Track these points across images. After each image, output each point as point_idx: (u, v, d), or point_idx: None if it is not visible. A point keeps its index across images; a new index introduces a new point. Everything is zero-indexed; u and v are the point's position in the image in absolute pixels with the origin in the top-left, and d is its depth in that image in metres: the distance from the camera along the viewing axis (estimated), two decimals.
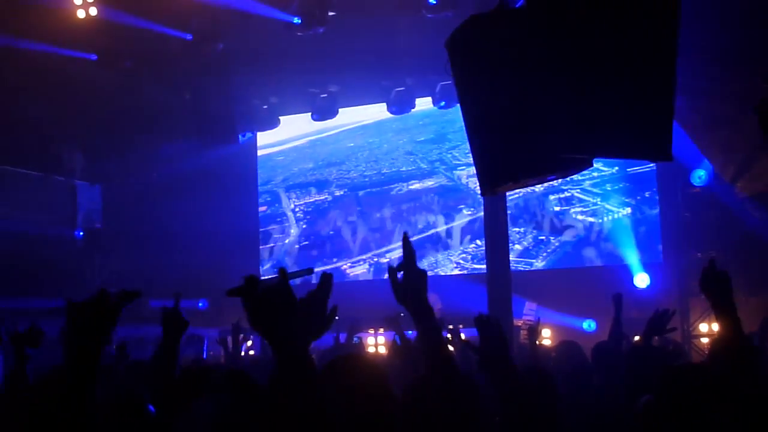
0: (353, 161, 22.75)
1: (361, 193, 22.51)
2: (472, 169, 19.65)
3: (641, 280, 17.74)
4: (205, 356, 10.81)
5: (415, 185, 22.19)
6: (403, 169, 22.37)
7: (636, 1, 4.20)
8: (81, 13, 15.40)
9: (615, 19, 4.21)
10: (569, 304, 17.07)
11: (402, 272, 4.02)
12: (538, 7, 4.44)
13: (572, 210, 19.49)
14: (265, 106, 20.95)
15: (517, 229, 19.51)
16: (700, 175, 17.03)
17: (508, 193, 14.52)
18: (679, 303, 16.22)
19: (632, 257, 18.19)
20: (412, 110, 20.56)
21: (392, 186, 22.29)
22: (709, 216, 16.93)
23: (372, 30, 16.63)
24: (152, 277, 19.46)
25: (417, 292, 4.02)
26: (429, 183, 22.12)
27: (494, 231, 13.70)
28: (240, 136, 21.20)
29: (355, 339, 12.16)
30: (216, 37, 16.49)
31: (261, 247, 22.31)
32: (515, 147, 4.49)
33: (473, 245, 21.14)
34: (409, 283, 4.01)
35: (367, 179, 22.48)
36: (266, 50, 17.32)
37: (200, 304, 20.29)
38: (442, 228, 21.60)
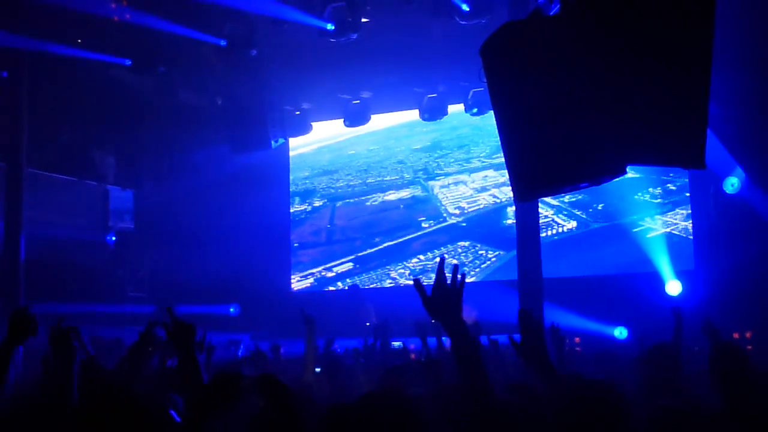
0: (346, 170, 22.93)
1: (339, 203, 22.78)
2: (446, 179, 19.91)
3: (673, 287, 17.67)
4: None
5: (390, 196, 22.43)
6: (387, 178, 22.57)
7: (671, 9, 4.23)
8: (116, 18, 15.51)
9: (650, 26, 4.24)
10: (600, 311, 17.01)
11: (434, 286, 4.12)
12: (574, 15, 4.47)
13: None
14: (298, 112, 21.03)
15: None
16: (732, 183, 16.95)
17: None
18: (711, 311, 16.18)
19: (664, 265, 18.12)
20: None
21: (369, 197, 22.54)
22: (742, 224, 16.85)
23: (405, 37, 16.69)
24: (183, 282, 19.63)
25: (451, 308, 4.12)
26: (404, 193, 22.36)
27: (526, 237, 13.66)
28: (272, 142, 21.21)
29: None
30: (249, 43, 16.53)
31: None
32: (549, 154, 4.52)
33: (416, 260, 21.51)
34: (441, 298, 4.10)
35: (350, 189, 22.72)
36: (299, 56, 17.40)
37: (231, 309, 20.38)
38: (396, 242, 21.87)
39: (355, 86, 19.91)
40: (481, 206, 21.54)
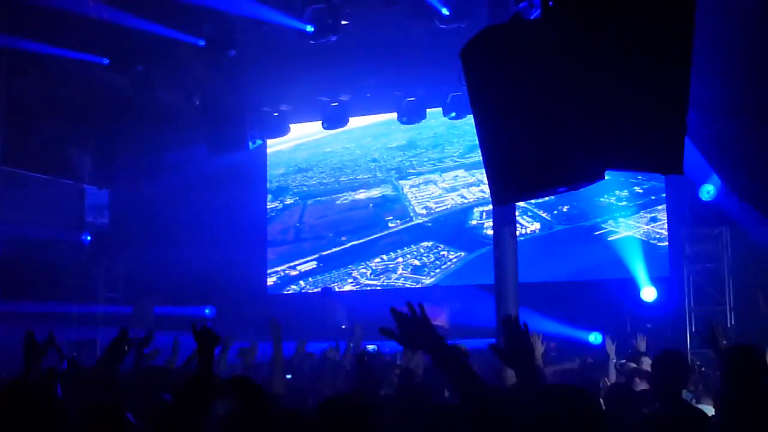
0: (320, 168, 22.92)
1: (310, 201, 22.76)
2: (418, 179, 19.97)
3: (648, 293, 17.73)
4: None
5: (361, 195, 22.45)
6: (360, 177, 22.57)
7: (651, 16, 4.24)
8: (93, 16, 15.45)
9: (630, 33, 4.25)
10: (575, 317, 17.06)
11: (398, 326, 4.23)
12: (555, 20, 4.48)
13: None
14: (276, 114, 21.00)
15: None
16: (708, 190, 17.01)
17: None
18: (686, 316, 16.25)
19: (639, 271, 18.18)
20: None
21: (340, 195, 22.58)
22: (718, 230, 16.92)
23: (384, 39, 16.67)
24: (159, 283, 19.58)
25: (424, 336, 4.22)
26: (374, 192, 22.38)
27: (503, 241, 13.66)
28: (250, 143, 21.18)
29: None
30: (228, 44, 16.49)
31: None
32: (527, 158, 4.53)
33: (378, 259, 21.62)
34: (412, 332, 4.22)
35: (322, 187, 22.74)
36: (278, 58, 17.34)
37: (207, 311, 20.34)
38: (361, 241, 21.93)
39: (333, 88, 19.89)
40: (448, 206, 21.59)
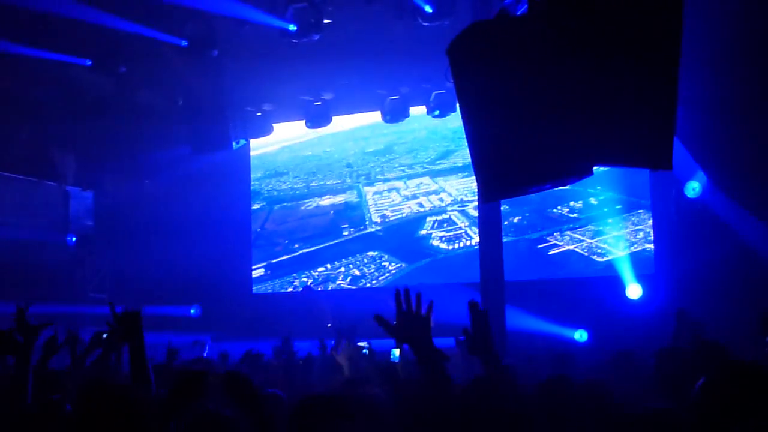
0: (296, 172, 22.78)
1: (276, 207, 22.70)
2: (383, 185, 19.97)
3: (633, 291, 17.72)
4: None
5: (326, 201, 22.42)
6: (329, 182, 22.49)
7: (639, 11, 4.21)
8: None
9: (618, 27, 4.22)
10: (561, 314, 17.05)
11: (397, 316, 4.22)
12: (542, 16, 4.44)
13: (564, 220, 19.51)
14: (259, 113, 20.94)
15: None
16: (693, 187, 17.01)
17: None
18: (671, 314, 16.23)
19: (624, 268, 18.18)
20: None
21: (305, 201, 22.51)
22: (703, 228, 16.91)
23: (367, 38, 16.66)
24: (144, 283, 19.55)
25: (419, 334, 4.19)
26: (339, 199, 22.34)
27: (489, 238, 13.67)
28: (234, 143, 21.13)
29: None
30: (210, 44, 16.47)
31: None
32: (515, 154, 4.49)
33: (322, 268, 21.63)
34: (407, 327, 4.19)
35: (291, 192, 22.67)
36: (261, 57, 17.32)
37: (192, 311, 20.31)
38: (312, 249, 21.95)
39: (316, 87, 19.86)
40: (404, 215, 21.54)
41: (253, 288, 21.77)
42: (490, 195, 4.85)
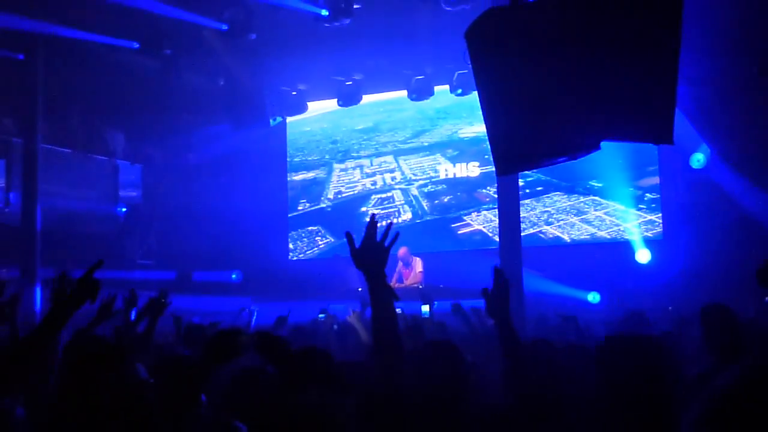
0: (289, 149, 22.56)
1: None
2: (351, 162, 20.04)
3: (643, 255, 17.73)
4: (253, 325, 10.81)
5: (299, 176, 22.39)
6: (310, 158, 22.38)
7: (641, 1, 4.25)
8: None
9: (624, 12, 4.25)
10: (575, 277, 17.07)
11: (363, 241, 4.17)
12: (552, 2, 4.48)
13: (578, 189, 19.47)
14: (294, 93, 20.96)
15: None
16: (698, 159, 17.01)
17: None
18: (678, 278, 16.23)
19: (634, 234, 18.19)
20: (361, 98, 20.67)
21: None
22: (708, 196, 16.89)
23: (394, 22, 16.66)
24: (188, 250, 19.70)
25: (375, 262, 4.13)
26: (310, 175, 22.27)
27: (507, 207, 13.70)
28: (270, 120, 21.19)
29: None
30: (249, 28, 16.48)
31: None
32: (528, 131, 4.54)
33: None
34: (368, 253, 4.13)
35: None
36: (295, 40, 17.34)
37: (233, 276, 20.43)
38: None
39: (348, 68, 19.86)
40: (355, 192, 21.64)
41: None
42: (505, 168, 4.88)
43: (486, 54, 4.68)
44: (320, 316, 11.88)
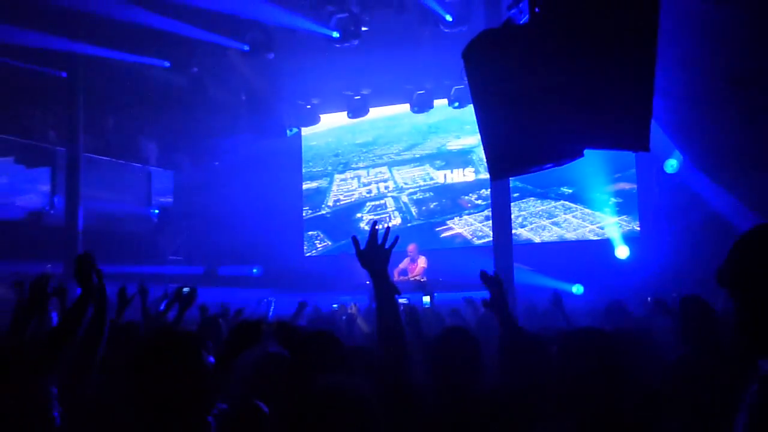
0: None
1: None
2: (350, 173, 20.24)
3: (622, 251, 17.72)
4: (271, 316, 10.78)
5: (305, 185, 22.25)
6: (314, 169, 22.30)
7: (621, 19, 4.23)
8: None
9: (603, 33, 4.24)
10: (561, 271, 17.05)
11: (367, 243, 4.17)
12: (540, 24, 4.48)
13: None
14: (308, 106, 20.95)
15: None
16: (672, 164, 17.00)
17: None
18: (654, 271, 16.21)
19: (614, 232, 18.17)
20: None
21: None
22: (680, 198, 16.88)
23: (398, 42, 16.66)
24: (214, 248, 19.74)
25: (378, 262, 4.14)
26: (313, 184, 22.19)
27: (499, 209, 13.69)
28: (287, 131, 21.19)
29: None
30: (268, 48, 16.48)
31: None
32: (519, 139, 4.53)
33: None
34: (372, 253, 4.15)
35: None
36: (309, 59, 17.37)
37: (254, 270, 20.42)
38: None
39: (356, 84, 19.84)
40: (352, 199, 21.49)
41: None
42: (498, 174, 4.88)
43: (480, 71, 4.69)
44: (334, 306, 11.90)
